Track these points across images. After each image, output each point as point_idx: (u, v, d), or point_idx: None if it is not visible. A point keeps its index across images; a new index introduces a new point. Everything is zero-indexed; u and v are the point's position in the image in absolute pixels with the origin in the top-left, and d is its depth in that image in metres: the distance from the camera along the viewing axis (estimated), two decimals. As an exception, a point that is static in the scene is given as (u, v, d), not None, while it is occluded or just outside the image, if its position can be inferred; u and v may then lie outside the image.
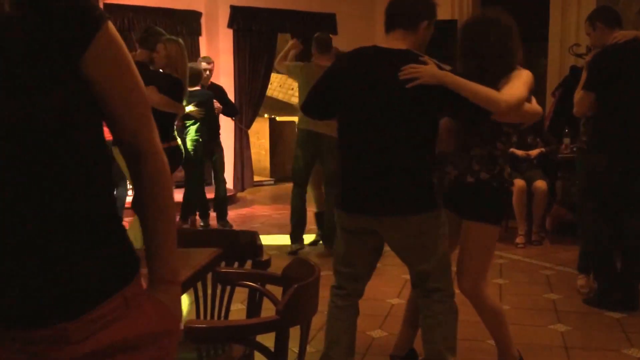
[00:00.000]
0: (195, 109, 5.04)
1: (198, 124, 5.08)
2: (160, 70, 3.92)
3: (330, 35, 4.79)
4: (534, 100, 2.29)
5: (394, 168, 2.09)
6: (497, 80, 2.16)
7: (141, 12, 6.86)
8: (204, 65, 5.30)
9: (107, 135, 0.99)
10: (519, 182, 4.64)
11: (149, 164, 1.00)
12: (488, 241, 2.34)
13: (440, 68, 2.07)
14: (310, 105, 2.34)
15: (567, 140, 4.98)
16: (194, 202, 5.25)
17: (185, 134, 5.11)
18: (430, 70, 2.03)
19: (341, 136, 2.23)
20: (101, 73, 0.91)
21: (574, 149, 4.71)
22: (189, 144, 5.08)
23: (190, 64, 4.71)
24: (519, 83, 2.15)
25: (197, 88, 5.20)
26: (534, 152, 4.91)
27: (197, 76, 5.13)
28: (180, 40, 3.97)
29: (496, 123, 2.22)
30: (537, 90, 2.52)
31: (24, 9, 0.83)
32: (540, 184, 4.73)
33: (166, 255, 1.01)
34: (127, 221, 5.22)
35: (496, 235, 2.37)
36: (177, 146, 3.99)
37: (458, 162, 2.33)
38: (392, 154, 2.09)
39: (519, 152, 4.85)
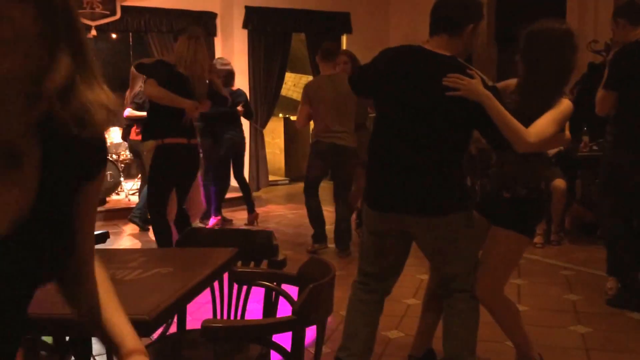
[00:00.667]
0: (243, 109, 5.25)
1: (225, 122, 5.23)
2: (174, 65, 3.71)
3: (345, 35, 4.79)
4: (567, 127, 2.24)
5: (426, 168, 2.09)
6: (548, 103, 2.11)
7: (157, 14, 6.93)
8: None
9: (134, 135, 0.99)
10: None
11: (101, 275, 1.00)
12: (514, 250, 2.30)
13: (485, 85, 2.05)
14: (357, 80, 2.42)
15: (585, 139, 4.90)
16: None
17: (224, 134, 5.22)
18: (473, 86, 2.02)
19: (376, 133, 2.24)
20: (89, 200, 0.91)
21: (593, 147, 4.64)
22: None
23: (220, 67, 4.79)
24: (551, 120, 2.10)
25: (235, 88, 5.31)
26: (552, 151, 4.84)
27: (232, 76, 5.24)
28: (197, 38, 3.74)
29: None
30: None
31: (48, 139, 0.84)
32: (559, 183, 4.67)
33: (133, 331, 1.02)
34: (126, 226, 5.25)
35: (524, 246, 2.32)
36: (183, 144, 3.64)
37: (494, 176, 2.31)
38: (425, 154, 2.09)
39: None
